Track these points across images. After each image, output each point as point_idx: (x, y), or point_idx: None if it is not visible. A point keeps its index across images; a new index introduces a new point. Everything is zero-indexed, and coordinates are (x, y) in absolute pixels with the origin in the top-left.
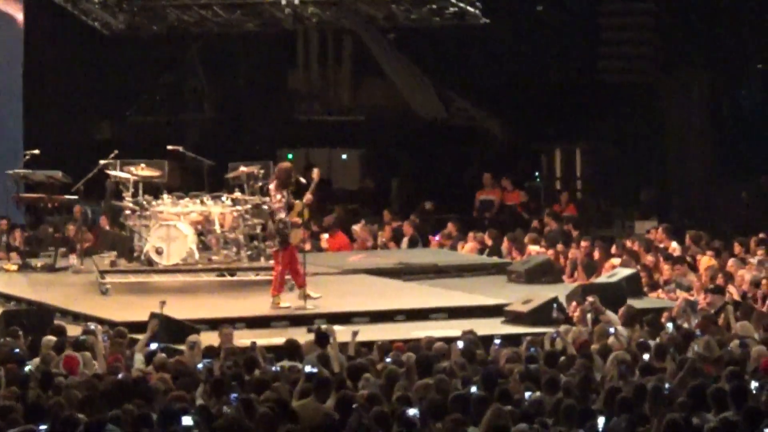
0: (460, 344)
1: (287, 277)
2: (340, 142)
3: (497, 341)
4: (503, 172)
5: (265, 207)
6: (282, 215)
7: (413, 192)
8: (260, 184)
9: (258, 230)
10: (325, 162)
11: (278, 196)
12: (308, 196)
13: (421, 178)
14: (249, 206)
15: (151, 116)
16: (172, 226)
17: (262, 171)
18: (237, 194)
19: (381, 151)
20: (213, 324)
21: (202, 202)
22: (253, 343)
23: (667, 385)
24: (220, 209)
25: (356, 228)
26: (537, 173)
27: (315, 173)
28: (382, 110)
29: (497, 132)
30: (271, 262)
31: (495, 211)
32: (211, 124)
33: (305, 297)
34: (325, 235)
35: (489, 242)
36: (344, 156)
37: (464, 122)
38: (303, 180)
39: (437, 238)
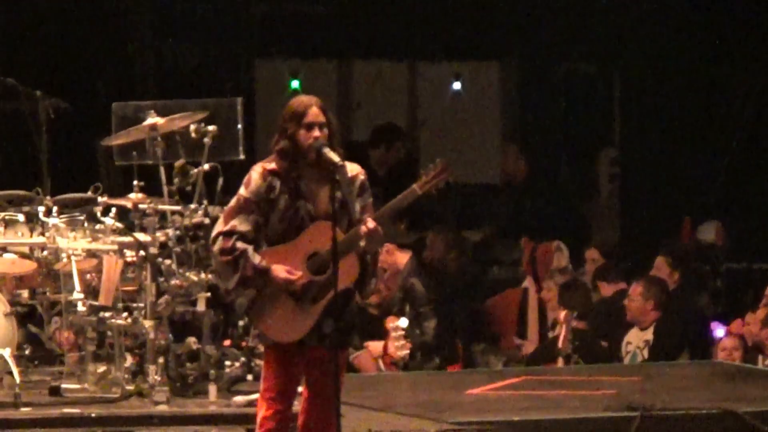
0: None
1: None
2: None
3: None
4: None
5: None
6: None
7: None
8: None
9: (197, 307)
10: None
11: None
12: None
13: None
14: (171, 234)
15: None
16: None
17: (209, 129)
18: (137, 197)
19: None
20: None
21: (32, 227)
22: None
23: None
24: (82, 243)
25: None
26: None
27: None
28: None
29: None
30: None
31: None
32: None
33: None
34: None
35: None
36: (455, 85)
37: None
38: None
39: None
